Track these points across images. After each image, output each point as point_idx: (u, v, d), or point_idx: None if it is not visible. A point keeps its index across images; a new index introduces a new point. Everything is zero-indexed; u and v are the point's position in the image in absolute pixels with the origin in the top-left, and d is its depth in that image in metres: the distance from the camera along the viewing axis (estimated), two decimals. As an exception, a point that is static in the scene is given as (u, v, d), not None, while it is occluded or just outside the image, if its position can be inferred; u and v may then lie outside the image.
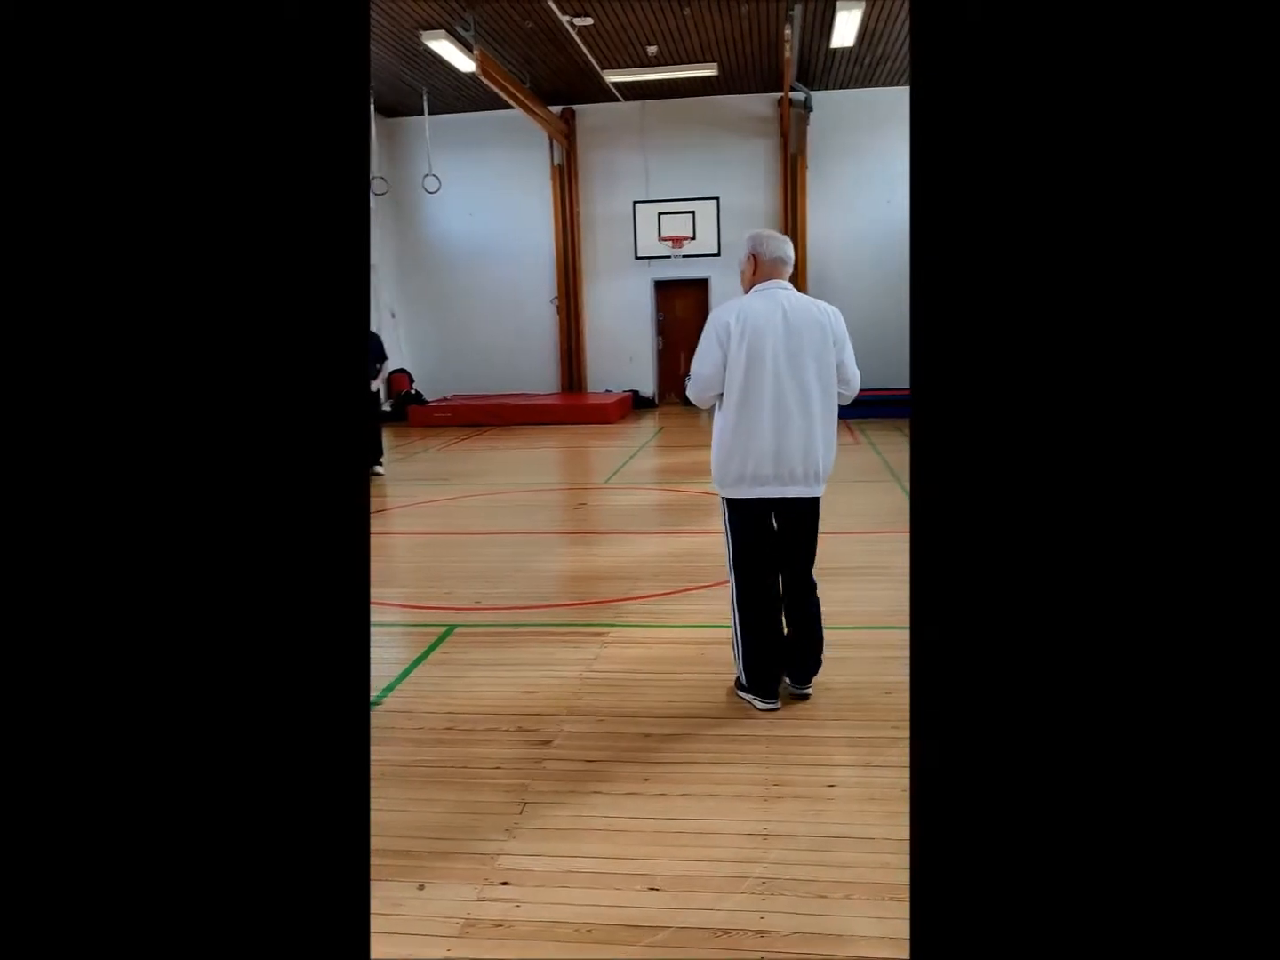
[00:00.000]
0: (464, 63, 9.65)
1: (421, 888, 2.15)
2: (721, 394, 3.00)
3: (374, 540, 6.08)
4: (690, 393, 3.12)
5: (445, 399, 13.25)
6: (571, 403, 12.63)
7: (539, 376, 13.88)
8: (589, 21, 9.34)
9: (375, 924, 2.01)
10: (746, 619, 3.07)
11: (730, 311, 2.96)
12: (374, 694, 3.29)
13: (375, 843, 2.33)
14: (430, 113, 11.83)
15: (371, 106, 11.50)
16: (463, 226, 13.63)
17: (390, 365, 8.63)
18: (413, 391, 13.20)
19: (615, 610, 4.20)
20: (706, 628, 3.82)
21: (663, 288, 13.65)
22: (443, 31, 9.06)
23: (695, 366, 3.03)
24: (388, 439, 9.89)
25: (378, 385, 8.38)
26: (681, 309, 13.52)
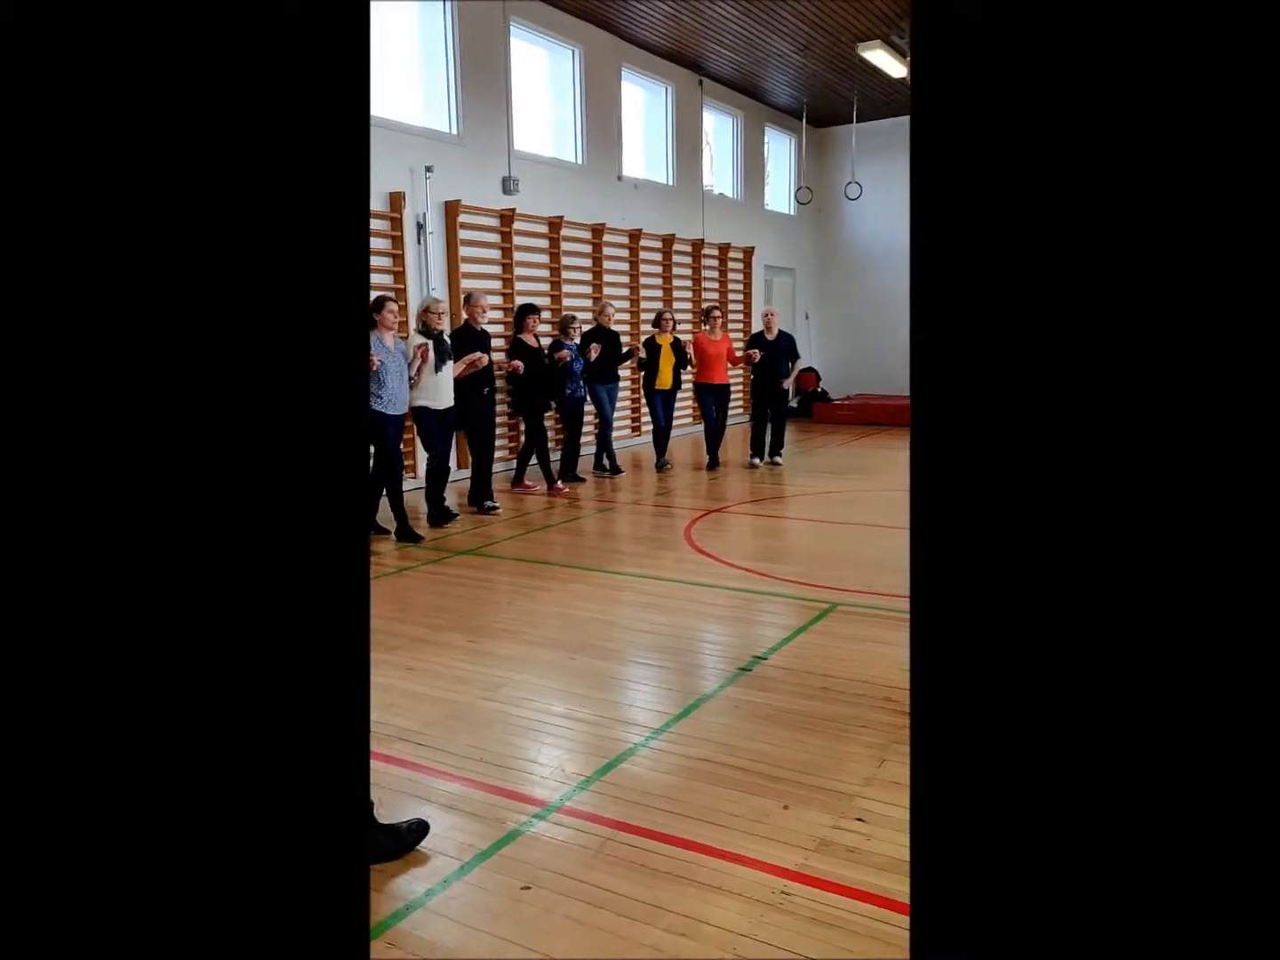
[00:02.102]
0: (896, 69, 9.83)
1: (786, 807, 2.50)
2: None
3: (772, 522, 6.60)
4: None
5: (849, 398, 13.53)
6: (979, 408, 12.25)
7: (947, 380, 13.62)
8: (1031, 15, 9.03)
9: (746, 826, 2.41)
10: None
11: None
12: (761, 651, 3.72)
13: (752, 765, 2.74)
14: (856, 121, 12.13)
15: (804, 121, 12.08)
16: (877, 230, 13.78)
17: (800, 364, 9.12)
18: (819, 389, 13.66)
19: (997, 611, 4.24)
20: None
21: (1094, 290, 12.67)
22: (878, 41, 9.33)
23: None
24: (792, 433, 10.43)
25: (788, 384, 8.89)
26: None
